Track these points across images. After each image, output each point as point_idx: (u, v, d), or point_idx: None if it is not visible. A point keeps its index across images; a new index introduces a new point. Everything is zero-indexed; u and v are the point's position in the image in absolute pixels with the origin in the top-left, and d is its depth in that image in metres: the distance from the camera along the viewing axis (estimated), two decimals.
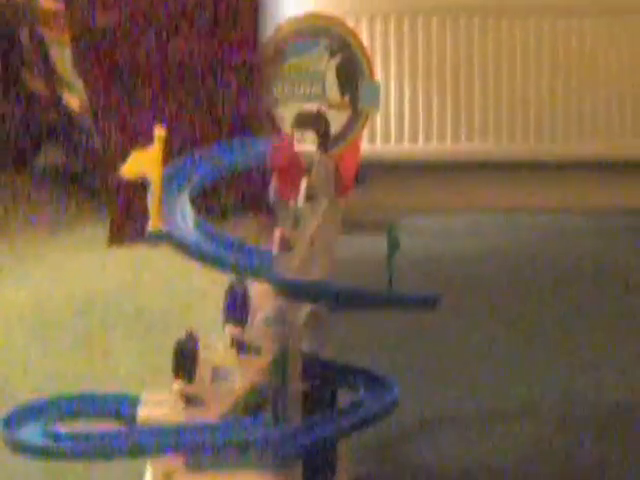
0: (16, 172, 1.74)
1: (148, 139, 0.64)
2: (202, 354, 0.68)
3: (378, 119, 2.63)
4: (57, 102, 1.62)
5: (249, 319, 0.73)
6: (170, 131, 0.63)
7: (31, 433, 0.66)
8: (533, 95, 2.71)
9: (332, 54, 0.73)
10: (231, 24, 1.38)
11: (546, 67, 2.71)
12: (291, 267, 0.70)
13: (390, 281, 0.77)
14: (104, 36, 1.36)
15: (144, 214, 0.65)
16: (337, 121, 0.74)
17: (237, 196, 1.30)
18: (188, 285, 1.20)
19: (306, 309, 0.72)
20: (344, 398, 0.78)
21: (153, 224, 0.64)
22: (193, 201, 0.72)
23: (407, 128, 2.77)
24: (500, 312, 1.43)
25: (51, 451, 0.65)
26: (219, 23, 1.38)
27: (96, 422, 0.71)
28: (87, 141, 1.55)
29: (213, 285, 0.75)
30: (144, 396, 0.67)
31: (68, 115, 1.58)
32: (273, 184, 0.76)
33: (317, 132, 0.73)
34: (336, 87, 0.73)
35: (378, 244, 0.87)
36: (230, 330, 0.68)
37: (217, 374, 0.70)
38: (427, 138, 2.79)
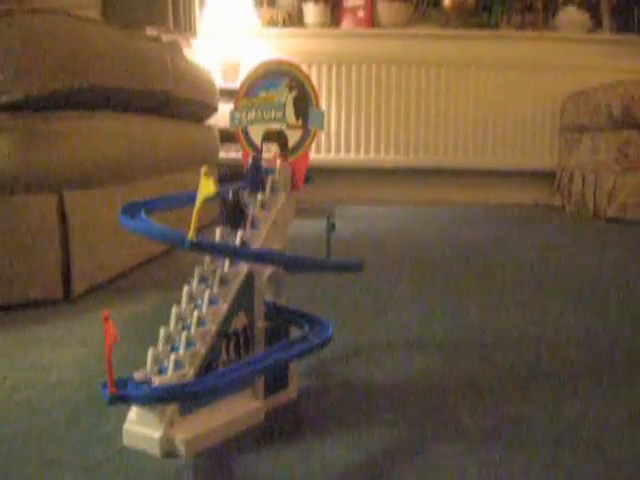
0: None
1: None
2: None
3: (323, 136, 3.48)
4: None
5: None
6: None
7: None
8: (434, 120, 3.50)
9: (291, 89, 0.78)
10: None
11: (442, 102, 3.50)
12: (259, 240, 0.76)
13: (328, 251, 0.84)
14: None
15: None
16: (293, 137, 0.79)
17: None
18: None
19: (269, 270, 0.78)
20: (294, 333, 0.83)
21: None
22: None
23: (343, 143, 3.58)
24: (407, 271, 1.65)
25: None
26: None
27: None
28: None
29: None
30: None
31: None
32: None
33: (279, 145, 0.79)
34: (293, 113, 0.78)
35: (320, 225, 0.98)
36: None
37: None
38: (357, 150, 3.59)
